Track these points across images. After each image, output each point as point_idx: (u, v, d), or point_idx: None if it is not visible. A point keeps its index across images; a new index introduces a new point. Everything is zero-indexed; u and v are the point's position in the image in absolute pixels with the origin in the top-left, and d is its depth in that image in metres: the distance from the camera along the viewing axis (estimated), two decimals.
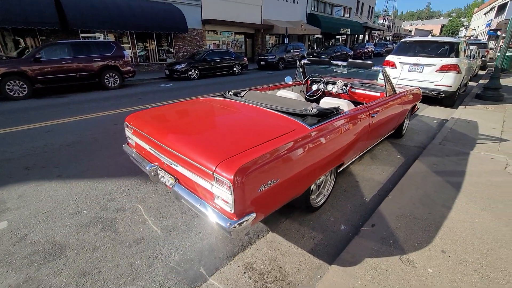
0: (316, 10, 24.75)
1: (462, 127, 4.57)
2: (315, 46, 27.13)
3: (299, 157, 1.88)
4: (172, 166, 1.90)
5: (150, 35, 14.59)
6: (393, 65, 6.54)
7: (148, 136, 2.13)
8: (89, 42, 9.25)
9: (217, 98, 2.92)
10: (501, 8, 29.49)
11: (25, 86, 7.88)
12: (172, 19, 13.93)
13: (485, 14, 45.21)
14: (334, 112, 2.45)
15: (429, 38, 6.37)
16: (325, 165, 2.21)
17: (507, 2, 26.93)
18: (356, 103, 4.10)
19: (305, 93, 4.37)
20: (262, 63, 15.93)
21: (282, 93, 3.49)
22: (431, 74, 6.00)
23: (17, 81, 7.74)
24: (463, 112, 5.53)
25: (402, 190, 2.58)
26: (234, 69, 13.60)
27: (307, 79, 4.30)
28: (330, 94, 4.29)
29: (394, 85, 4.41)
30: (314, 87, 4.21)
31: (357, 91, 3.92)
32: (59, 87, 8.65)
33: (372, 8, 35.61)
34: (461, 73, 5.83)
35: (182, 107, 2.67)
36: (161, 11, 13.52)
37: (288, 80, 4.27)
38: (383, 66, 3.29)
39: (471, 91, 7.92)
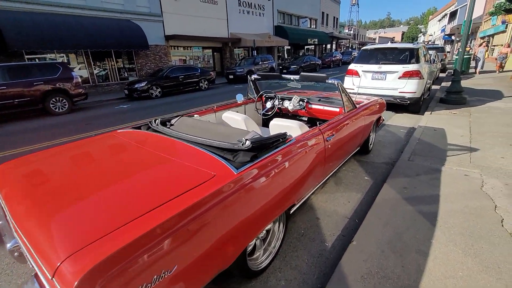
0: (283, 22, 25.10)
1: (430, 137, 4.28)
2: (285, 57, 27.41)
3: (219, 218, 1.31)
4: (24, 252, 1.25)
5: (108, 53, 13.71)
6: (356, 73, 6.30)
7: (2, 200, 1.48)
8: (29, 65, 8.35)
9: (137, 130, 2.31)
10: (453, 15, 31.82)
11: None
12: (131, 36, 13.21)
13: (439, 20, 48.88)
14: (279, 140, 1.94)
15: (389, 45, 6.24)
16: (265, 217, 1.66)
17: (457, 9, 29.08)
18: (316, 120, 3.68)
19: (260, 111, 3.88)
20: (231, 76, 15.56)
21: (228, 115, 2.96)
22: (394, 81, 5.80)
23: None
24: (430, 119, 5.32)
25: (368, 230, 2.09)
26: (201, 84, 13.05)
27: (260, 96, 3.82)
28: (287, 111, 3.83)
29: (356, 96, 4.05)
30: (269, 104, 3.73)
31: (314, 106, 3.49)
32: None
33: (337, 18, 37.03)
34: (423, 78, 5.68)
35: (78, 149, 2.01)
36: (117, 28, 12.77)
37: (239, 98, 3.76)
38: (338, 80, 2.88)
39: (435, 95, 7.92)
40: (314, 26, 30.38)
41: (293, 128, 2.43)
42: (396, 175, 3.01)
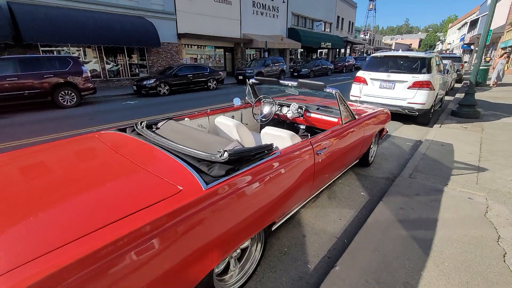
0: (296, 24, 24.89)
1: (437, 152, 4.05)
2: (298, 60, 27.19)
3: (178, 239, 1.20)
4: None
5: (121, 49, 13.90)
6: (364, 81, 6.09)
7: None
8: (41, 57, 8.46)
9: (120, 132, 2.23)
10: (473, 24, 30.77)
11: None
12: (144, 33, 13.34)
13: (459, 29, 47.45)
14: (264, 152, 1.83)
15: (400, 53, 6.00)
16: (237, 236, 1.54)
17: (478, 18, 28.10)
18: (314, 129, 3.53)
19: (257, 116, 3.75)
20: (240, 77, 15.50)
21: (221, 120, 2.84)
22: (403, 91, 5.56)
23: None
24: (438, 132, 5.06)
25: (354, 255, 1.93)
26: (209, 84, 13.03)
27: (257, 101, 3.70)
28: (285, 118, 3.70)
29: (357, 105, 3.88)
30: (266, 110, 3.60)
31: (312, 115, 3.34)
32: (4, 106, 7.75)
33: (353, 23, 36.48)
34: (434, 89, 5.42)
35: (45, 152, 1.93)
36: (130, 25, 12.91)
37: (237, 102, 3.65)
38: (336, 89, 2.73)
39: (447, 107, 7.59)
40: (329, 30, 30.02)
41: (283, 139, 2.30)
42: (394, 193, 2.83)
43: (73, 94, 8.83)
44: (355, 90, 6.25)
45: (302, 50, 27.20)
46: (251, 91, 3.74)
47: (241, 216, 1.53)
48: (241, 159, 1.66)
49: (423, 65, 5.51)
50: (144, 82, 10.95)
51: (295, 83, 3.05)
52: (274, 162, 1.80)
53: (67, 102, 8.73)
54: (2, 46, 10.42)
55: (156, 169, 1.55)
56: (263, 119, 3.65)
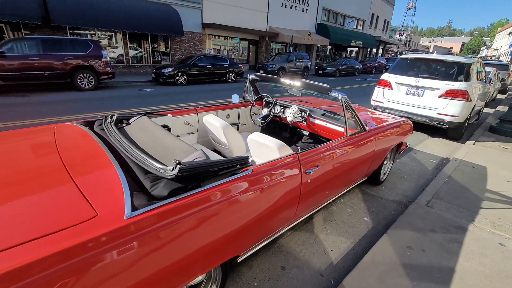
0: (326, 20, 23.80)
1: (465, 176, 3.43)
2: (325, 57, 26.13)
3: (80, 282, 0.89)
4: None
5: (145, 36, 13.98)
6: (388, 85, 5.45)
7: None
8: (63, 39, 8.59)
9: (82, 126, 1.96)
10: None
11: None
12: (167, 21, 13.29)
13: (509, 34, 43.19)
14: (235, 166, 1.47)
15: (434, 56, 5.27)
16: (168, 281, 1.19)
17: None
18: (318, 137, 3.08)
19: (257, 117, 3.37)
20: (261, 71, 15.04)
21: (208, 119, 2.51)
22: (433, 99, 4.87)
23: None
24: (471, 151, 4.37)
25: None
26: (228, 76, 12.74)
27: (257, 99, 3.30)
28: (287, 122, 3.28)
29: (374, 114, 3.36)
30: (265, 110, 3.20)
31: (317, 121, 2.89)
32: (25, 84, 7.98)
33: (388, 22, 34.35)
34: (471, 100, 4.69)
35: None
36: (155, 12, 12.88)
37: (235, 99, 3.29)
38: (344, 94, 2.26)
39: (485, 120, 6.69)
40: (361, 27, 28.48)
41: (269, 149, 1.92)
42: (404, 224, 2.33)
43: (91, 77, 8.91)
44: (378, 94, 5.63)
45: (330, 47, 26.08)
46: (251, 89, 3.35)
47: (181, 252, 1.18)
48: (196, 175, 1.31)
49: (460, 71, 4.77)
50: (163, 70, 10.88)
51: (298, 83, 2.62)
52: (240, 183, 1.43)
53: (85, 85, 8.84)
54: (32, 26, 10.80)
55: (85, 181, 1.24)
56: (261, 121, 3.26)
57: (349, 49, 28.82)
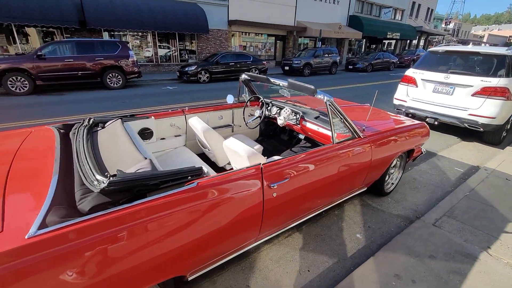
0: (360, 11, 22.43)
1: (494, 190, 2.93)
2: (358, 51, 24.74)
3: None
4: None
5: (173, 35, 14.44)
6: (413, 82, 4.89)
7: None
8: (94, 41, 9.17)
9: (58, 129, 2.00)
10: None
11: (26, 82, 8.01)
12: (193, 19, 13.55)
13: None
14: (186, 177, 1.39)
15: (470, 47, 4.58)
16: None
17: None
18: (315, 142, 2.83)
19: (249, 119, 3.21)
20: (286, 68, 14.71)
21: (192, 122, 2.44)
22: (465, 98, 4.26)
23: (19, 78, 7.90)
24: (508, 159, 3.74)
25: None
26: None
27: (249, 101, 3.13)
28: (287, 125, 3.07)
29: (383, 116, 3.01)
30: (257, 112, 3.02)
31: (308, 125, 2.64)
32: (61, 84, 8.70)
33: (432, 10, 31.32)
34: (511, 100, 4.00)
35: None
36: (181, 11, 13.21)
37: (230, 99, 3.17)
38: (330, 96, 2.01)
39: None
40: (400, 17, 26.38)
41: (239, 157, 1.78)
42: (398, 246, 2.03)
43: (119, 76, 9.43)
44: (401, 92, 5.09)
45: (364, 40, 24.58)
46: (246, 89, 3.19)
47: (97, 275, 1.10)
48: (129, 189, 1.23)
49: (500, 65, 4.08)
50: (186, 69, 11.14)
51: (285, 83, 2.41)
52: (181, 197, 1.31)
53: (114, 84, 9.38)
54: (72, 30, 11.75)
55: (15, 193, 1.22)
56: (253, 123, 3.10)
57: (386, 41, 26.92)
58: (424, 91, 4.73)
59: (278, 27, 17.47)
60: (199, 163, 2.35)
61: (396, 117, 3.04)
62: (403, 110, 5.05)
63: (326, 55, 15.61)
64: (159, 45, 14.31)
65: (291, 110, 2.76)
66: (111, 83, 9.33)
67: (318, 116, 2.62)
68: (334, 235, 2.30)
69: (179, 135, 2.78)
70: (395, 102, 5.18)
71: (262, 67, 13.02)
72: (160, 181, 1.31)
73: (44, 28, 11.41)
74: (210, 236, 1.42)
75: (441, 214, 2.45)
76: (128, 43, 10.05)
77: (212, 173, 1.84)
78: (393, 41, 27.32)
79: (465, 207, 2.59)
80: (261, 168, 1.61)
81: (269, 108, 3.08)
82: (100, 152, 1.60)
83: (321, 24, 18.94)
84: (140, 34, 13.60)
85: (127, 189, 1.22)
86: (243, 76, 2.97)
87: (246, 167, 1.58)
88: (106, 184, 1.13)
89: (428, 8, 30.39)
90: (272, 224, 1.78)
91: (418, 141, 2.83)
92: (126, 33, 13.13)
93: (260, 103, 3.18)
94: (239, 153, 1.78)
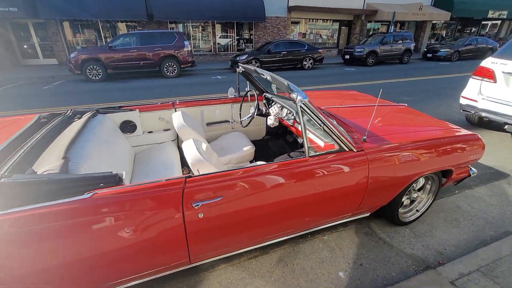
0: None
1: None
2: (444, 36, 20.76)
3: None
4: None
5: (231, 24, 14.65)
6: (490, 76, 3.68)
7: None
8: (154, 33, 9.93)
9: (45, 119, 2.11)
10: None
11: (100, 70, 9.27)
12: (250, 7, 13.43)
13: None
14: (99, 184, 1.28)
15: None
16: None
17: None
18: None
19: (244, 117, 2.88)
20: (347, 56, 13.35)
21: (173, 117, 2.30)
22: None
23: (95, 66, 9.18)
24: None
25: None
26: (304, 63, 11.90)
27: (245, 95, 2.78)
28: (288, 125, 2.65)
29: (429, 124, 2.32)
30: (252, 109, 2.67)
31: (300, 127, 2.18)
32: (126, 73, 9.78)
33: None
34: None
35: None
36: (241, 0, 13.20)
37: (231, 93, 2.91)
38: (305, 97, 1.55)
39: None
40: None
41: (189, 160, 1.56)
42: None
43: (175, 66, 10.07)
44: (472, 89, 3.92)
45: (453, 22, 20.39)
46: (248, 82, 2.86)
47: None
48: (21, 192, 1.15)
49: None
50: (238, 58, 11.17)
51: (268, 76, 2.00)
52: (69, 210, 1.16)
53: (170, 73, 10.08)
54: (143, 23, 13.04)
55: None
56: (247, 120, 2.77)
57: (489, 22, 21.77)
58: (506, 89, 3.52)
59: (343, 12, 15.90)
60: (173, 162, 2.20)
61: (436, 124, 2.27)
62: (473, 112, 3.89)
63: (398, 41, 13.51)
64: (218, 35, 14.73)
65: (284, 108, 2.33)
66: (167, 72, 10.03)
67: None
68: (310, 267, 1.86)
69: (168, 129, 2.68)
70: (462, 101, 4.03)
71: (318, 56, 12.09)
72: (59, 187, 1.19)
73: (125, 23, 12.98)
74: (107, 259, 1.24)
75: (474, 267, 1.73)
76: (184, 33, 10.61)
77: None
78: (498, 22, 21.85)
79: None
80: (185, 181, 1.33)
81: (272, 104, 2.69)
82: (49, 145, 1.60)
83: (396, 6, 16.41)
84: (201, 24, 14.21)
85: (22, 193, 1.14)
86: (240, 68, 2.65)
87: (165, 179, 1.33)
88: None
89: None
90: (212, 247, 1.51)
91: (460, 159, 2.06)
92: (188, 23, 13.90)
93: (256, 99, 2.80)
94: (189, 154, 1.56)
